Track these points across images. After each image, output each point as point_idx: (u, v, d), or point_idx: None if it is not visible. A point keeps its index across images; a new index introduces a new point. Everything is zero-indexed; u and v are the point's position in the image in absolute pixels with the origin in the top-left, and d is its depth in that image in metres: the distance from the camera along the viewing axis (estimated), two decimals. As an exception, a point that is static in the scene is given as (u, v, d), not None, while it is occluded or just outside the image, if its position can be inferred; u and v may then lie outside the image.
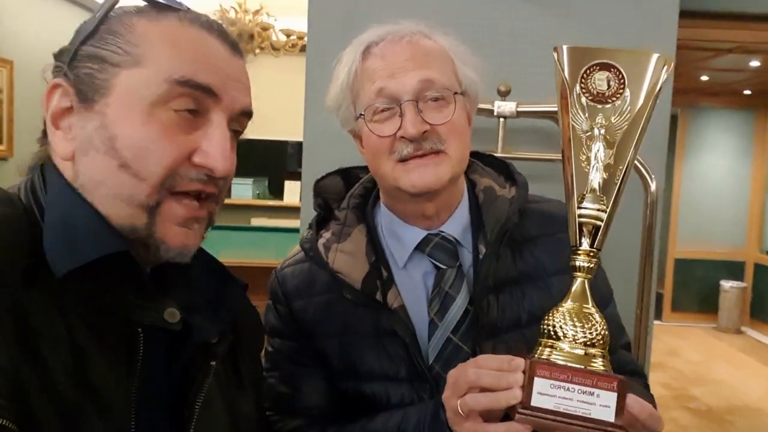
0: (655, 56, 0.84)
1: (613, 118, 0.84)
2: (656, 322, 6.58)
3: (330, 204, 1.12)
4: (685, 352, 6.21)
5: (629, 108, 0.84)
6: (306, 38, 1.91)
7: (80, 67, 0.68)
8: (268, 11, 4.89)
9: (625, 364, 1.06)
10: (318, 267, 1.04)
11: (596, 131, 0.84)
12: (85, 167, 0.68)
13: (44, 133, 0.72)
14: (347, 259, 1.02)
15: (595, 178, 0.84)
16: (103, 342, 0.66)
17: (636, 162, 1.71)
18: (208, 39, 0.71)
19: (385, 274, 1.03)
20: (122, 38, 0.68)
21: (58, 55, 0.70)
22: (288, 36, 5.07)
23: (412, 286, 1.04)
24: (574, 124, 0.85)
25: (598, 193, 0.84)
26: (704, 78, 6.07)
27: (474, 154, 1.11)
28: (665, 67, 0.84)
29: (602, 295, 1.07)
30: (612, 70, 0.84)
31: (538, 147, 1.87)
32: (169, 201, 0.68)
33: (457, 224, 1.05)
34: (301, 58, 1.95)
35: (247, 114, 0.76)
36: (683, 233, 7.15)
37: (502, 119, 1.71)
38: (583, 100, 0.85)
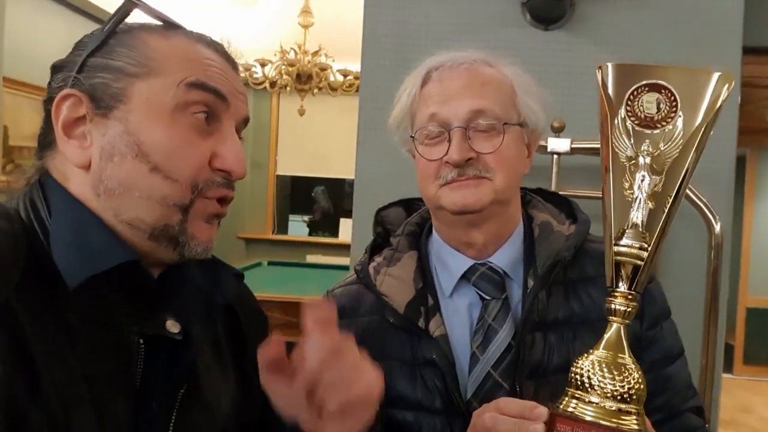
0: (716, 75, 0.75)
1: (662, 145, 0.75)
2: (727, 375, 6.22)
3: (390, 233, 1.14)
4: (759, 408, 5.82)
5: (681, 133, 0.75)
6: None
7: (92, 77, 0.70)
8: (326, 53, 5.00)
9: (692, 430, 0.98)
10: (366, 289, 1.06)
11: (642, 159, 0.75)
12: (112, 172, 0.69)
13: (40, 146, 0.75)
14: (394, 283, 1.03)
15: (638, 211, 0.75)
16: (101, 353, 0.66)
17: (699, 202, 1.63)
18: (212, 54, 0.76)
19: (431, 301, 1.02)
20: (136, 51, 0.71)
21: (60, 67, 0.73)
22: (345, 76, 5.16)
23: (456, 316, 1.02)
24: (617, 150, 0.77)
25: (640, 229, 0.75)
26: (773, 117, 5.82)
27: (537, 191, 1.12)
28: (726, 86, 0.75)
29: (669, 350, 1.01)
30: (663, 91, 0.76)
31: (592, 185, 1.81)
32: (201, 200, 0.72)
33: (507, 256, 1.02)
34: (357, 98, 1.98)
35: (246, 122, 0.80)
36: (755, 280, 6.78)
37: (555, 156, 1.66)
38: (629, 124, 0.76)
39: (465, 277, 1.02)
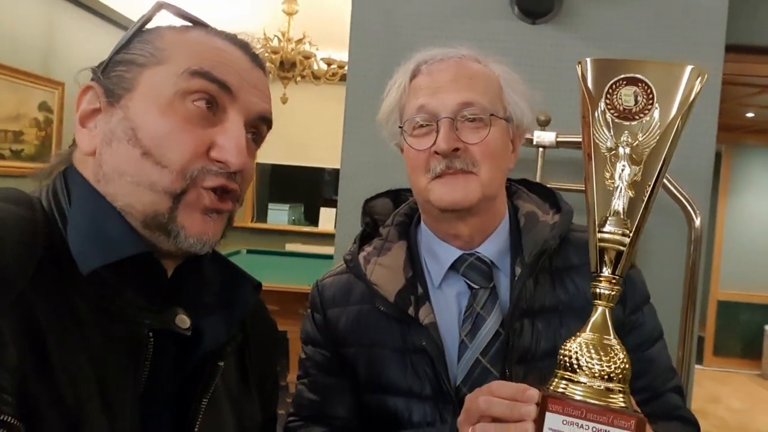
0: (689, 68, 0.78)
1: (640, 136, 0.78)
2: (697, 366, 6.35)
3: (378, 224, 1.15)
4: (727, 399, 5.95)
5: (658, 124, 0.78)
6: (346, 68, 1.93)
7: (111, 72, 0.72)
8: (311, 41, 4.96)
9: (673, 409, 1.02)
10: (356, 278, 1.07)
11: (621, 150, 0.78)
12: (109, 157, 0.70)
13: (73, 141, 0.76)
14: (384, 272, 1.05)
15: (619, 199, 0.78)
16: (112, 344, 0.66)
17: (680, 197, 1.67)
18: (229, 47, 0.75)
19: (420, 290, 1.04)
20: (150, 44, 0.72)
21: (96, 68, 0.75)
22: (329, 65, 5.14)
23: (445, 305, 1.04)
24: (598, 141, 0.79)
25: (621, 217, 0.78)
26: (750, 115, 5.92)
27: (521, 182, 1.14)
28: (699, 79, 0.78)
29: (650, 333, 1.04)
30: (640, 84, 0.79)
31: (577, 178, 1.84)
32: (195, 190, 0.70)
33: (494, 246, 1.05)
34: (340, 87, 1.99)
35: (266, 120, 0.79)
36: (726, 274, 6.92)
37: (541, 149, 1.68)
38: (608, 116, 0.79)
39: (453, 267, 1.04)
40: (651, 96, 0.78)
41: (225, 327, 0.77)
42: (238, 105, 0.73)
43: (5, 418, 0.54)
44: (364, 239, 1.13)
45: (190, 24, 0.76)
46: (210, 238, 0.72)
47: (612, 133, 0.79)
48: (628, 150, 0.78)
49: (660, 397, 1.01)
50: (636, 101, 0.79)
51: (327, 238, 6.20)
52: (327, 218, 6.78)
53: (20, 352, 0.58)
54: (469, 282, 1.03)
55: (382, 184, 1.22)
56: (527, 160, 1.70)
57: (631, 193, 0.78)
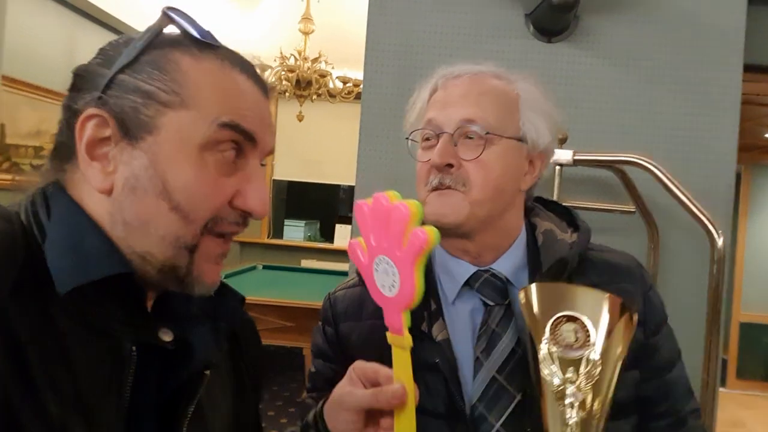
0: (618, 301, 0.81)
1: (582, 370, 0.79)
2: (720, 389, 6.22)
3: None
4: (751, 424, 5.81)
5: (600, 360, 0.78)
6: (361, 86, 1.94)
7: (120, 97, 0.67)
8: (326, 59, 5.00)
9: None
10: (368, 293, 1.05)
11: (569, 387, 0.79)
12: (132, 205, 0.67)
13: (55, 154, 0.72)
14: None
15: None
16: (95, 359, 0.65)
17: (701, 217, 1.63)
18: (247, 84, 0.73)
19: (434, 306, 1.02)
20: (168, 75, 0.68)
21: (84, 77, 0.70)
22: (344, 83, 5.17)
23: (460, 322, 1.02)
24: (545, 377, 0.81)
25: None
26: (769, 135, 5.86)
27: (538, 200, 1.12)
28: (628, 315, 0.80)
29: (669, 355, 1.02)
30: (578, 321, 0.81)
31: (595, 196, 1.81)
32: (207, 240, 0.69)
33: (509, 263, 1.02)
34: (355, 105, 1.99)
35: (271, 152, 0.78)
36: (749, 296, 6.79)
37: (558, 167, 1.66)
38: (554, 350, 0.81)
39: (468, 283, 1.02)
40: (588, 332, 0.80)
41: (214, 338, 0.77)
42: (258, 150, 0.72)
43: None
44: None
45: (201, 45, 0.72)
46: (217, 285, 0.72)
47: (558, 369, 0.81)
48: (573, 388, 0.80)
49: (684, 423, 0.99)
50: (576, 338, 0.81)
51: (342, 254, 6.20)
52: (342, 235, 6.78)
53: (0, 369, 0.57)
54: (484, 299, 1.01)
55: (396, 201, 1.21)
56: (544, 178, 1.68)
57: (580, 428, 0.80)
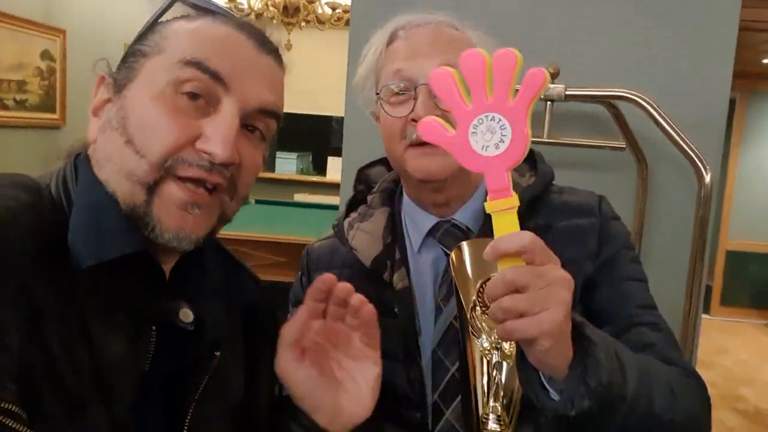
0: None
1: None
2: (704, 316, 6.38)
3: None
4: (734, 350, 6.00)
5: None
6: (350, 12, 1.87)
7: (126, 63, 0.73)
8: (315, -15, 4.85)
9: (645, 345, 0.93)
10: (340, 243, 1.10)
11: (495, 353, 0.83)
12: (101, 144, 0.71)
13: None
14: (365, 238, 1.07)
15: (499, 392, 0.83)
16: (114, 335, 0.66)
17: (689, 152, 1.62)
18: (234, 34, 0.73)
19: (398, 255, 1.06)
20: (159, 35, 0.72)
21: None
22: (333, 9, 5.01)
23: (423, 271, 1.05)
24: (475, 340, 0.84)
25: (499, 412, 0.83)
26: (766, 61, 5.77)
27: None
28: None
29: (626, 274, 1.00)
30: None
31: (585, 132, 1.79)
32: (169, 182, 0.68)
33: (469, 212, 1.05)
34: (346, 32, 1.92)
35: (271, 114, 0.75)
36: (736, 224, 6.88)
37: (549, 102, 1.63)
38: (479, 313, 0.83)
39: (430, 233, 1.05)
40: None
41: (226, 316, 0.78)
42: (234, 96, 0.70)
43: (7, 406, 0.54)
44: (353, 205, 1.15)
45: (201, 11, 0.75)
46: (189, 234, 0.69)
47: (486, 333, 0.83)
48: (498, 354, 0.83)
49: (628, 330, 0.95)
50: None
51: (335, 188, 6.17)
52: (335, 167, 6.75)
53: (22, 340, 0.58)
54: (445, 249, 1.03)
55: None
56: (535, 114, 1.65)
57: (505, 391, 0.84)
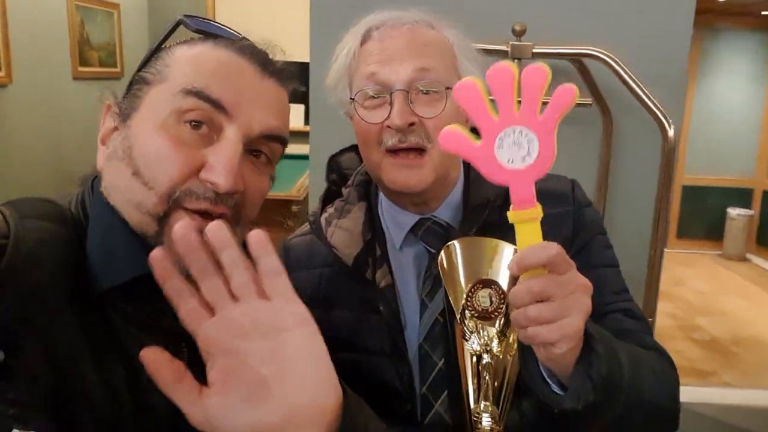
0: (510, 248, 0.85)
1: (495, 337, 0.85)
2: (661, 249, 6.59)
3: (346, 177, 1.14)
4: (691, 281, 6.24)
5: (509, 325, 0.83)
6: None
7: (131, 90, 0.73)
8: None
9: (620, 332, 0.94)
10: (319, 240, 1.07)
11: (486, 356, 0.85)
12: (107, 172, 0.72)
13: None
14: (344, 236, 1.05)
15: (489, 391, 0.86)
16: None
17: (652, 105, 1.66)
18: (234, 58, 0.72)
19: (379, 252, 1.05)
20: (161, 62, 0.72)
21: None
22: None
23: (406, 267, 1.05)
24: (465, 340, 0.86)
25: (490, 407, 0.86)
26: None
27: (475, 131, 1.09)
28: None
29: (600, 261, 1.03)
30: (493, 286, 0.84)
31: (554, 88, 1.80)
32: (178, 212, 0.68)
33: (449, 208, 1.05)
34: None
35: (276, 138, 0.74)
36: (692, 159, 7.05)
37: (517, 61, 1.64)
38: (469, 316, 0.85)
39: (412, 231, 1.05)
40: (503, 296, 0.84)
41: None
42: (236, 123, 0.70)
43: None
44: (328, 197, 1.12)
45: (205, 35, 0.74)
46: None
47: (476, 332, 0.86)
48: (488, 356, 0.85)
49: (604, 317, 0.98)
50: (491, 301, 0.84)
51: (298, 136, 6.07)
52: (296, 114, 6.61)
53: (57, 371, 0.59)
54: (426, 246, 1.03)
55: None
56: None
57: (495, 386, 0.86)
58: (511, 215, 0.71)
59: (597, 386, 0.75)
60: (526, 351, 0.79)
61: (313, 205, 1.20)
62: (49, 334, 0.59)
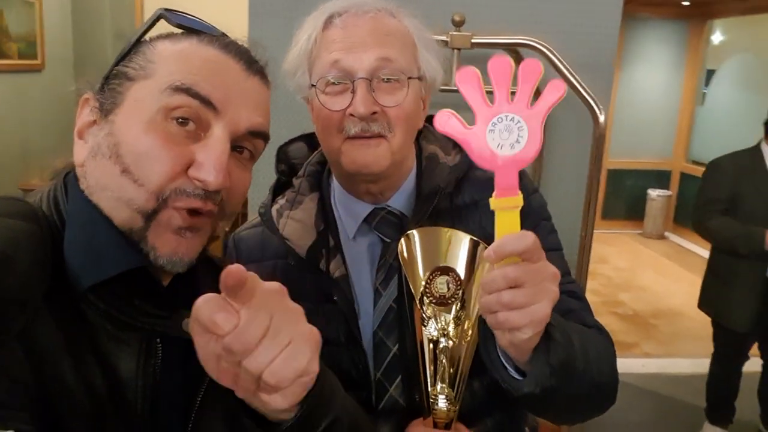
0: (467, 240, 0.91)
1: (451, 322, 0.90)
2: (587, 229, 6.86)
3: (295, 168, 1.13)
4: (613, 259, 6.58)
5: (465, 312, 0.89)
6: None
7: (109, 84, 0.71)
8: None
9: (565, 312, 0.98)
10: (271, 232, 1.06)
11: (443, 341, 0.90)
12: (92, 170, 0.70)
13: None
14: (296, 227, 1.05)
15: (446, 374, 0.91)
16: (125, 352, 0.68)
17: (584, 92, 1.74)
18: (221, 56, 0.72)
19: (332, 242, 1.06)
20: (143, 56, 0.71)
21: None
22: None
23: (360, 257, 1.06)
24: (423, 326, 0.90)
25: (446, 389, 0.91)
26: (645, -11, 6.08)
27: (429, 119, 1.09)
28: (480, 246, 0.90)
29: (545, 245, 1.06)
30: (451, 273, 0.89)
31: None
32: (168, 210, 0.68)
33: (402, 197, 1.06)
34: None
35: (259, 135, 0.75)
36: (615, 144, 7.35)
37: (456, 50, 1.69)
38: (426, 301, 0.89)
39: (366, 221, 1.05)
40: (459, 282, 0.88)
41: None
42: (225, 120, 0.70)
43: (21, 427, 0.55)
44: (278, 189, 1.11)
45: (188, 30, 0.73)
46: (183, 257, 0.70)
47: (433, 317, 0.89)
48: (445, 340, 0.89)
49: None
50: (448, 288, 0.89)
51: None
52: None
53: (35, 371, 0.59)
54: (381, 236, 1.05)
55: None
56: (443, 62, 1.71)
57: (451, 370, 0.91)
58: (494, 202, 0.75)
59: (555, 371, 0.79)
60: (487, 338, 0.83)
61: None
62: (26, 334, 0.59)
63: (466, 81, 0.75)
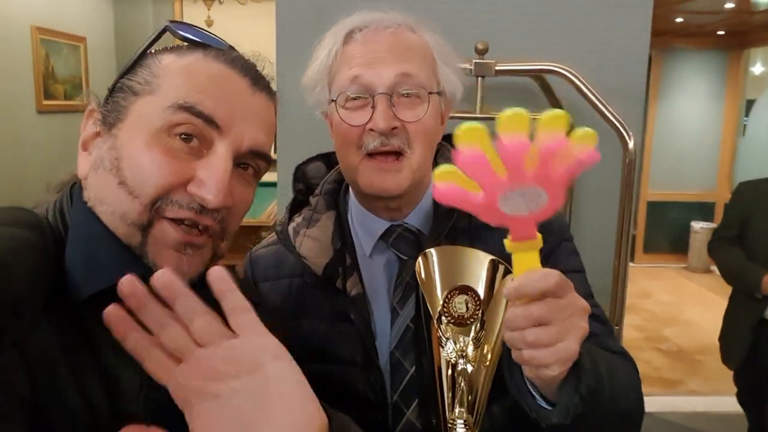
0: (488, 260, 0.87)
1: (470, 344, 0.86)
2: (629, 264, 6.70)
3: (313, 187, 1.13)
4: (657, 294, 6.37)
5: (485, 331, 0.85)
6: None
7: (113, 97, 0.71)
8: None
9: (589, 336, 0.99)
10: (287, 250, 1.06)
11: (461, 361, 0.86)
12: (94, 183, 0.70)
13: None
14: (313, 245, 1.04)
15: (464, 398, 0.87)
16: (126, 363, 0.65)
17: (613, 118, 1.71)
18: (226, 72, 0.71)
19: (349, 261, 1.05)
20: (148, 70, 0.71)
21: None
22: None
23: (376, 275, 1.05)
24: (441, 347, 0.87)
25: (465, 414, 0.87)
26: (679, 20, 6.03)
27: (447, 137, 1.09)
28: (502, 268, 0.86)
29: (565, 267, 1.02)
30: (470, 293, 0.85)
31: (517, 104, 1.84)
32: (161, 223, 0.68)
33: (420, 215, 1.05)
34: (267, 5, 1.87)
35: (261, 156, 0.74)
36: (655, 175, 7.23)
37: (480, 78, 1.68)
38: (444, 321, 0.86)
39: (382, 238, 1.04)
40: (479, 302, 0.85)
41: None
42: (228, 138, 0.69)
43: None
44: (295, 208, 1.11)
45: (193, 43, 0.73)
46: (185, 275, 0.68)
47: (451, 337, 0.86)
48: (464, 362, 0.85)
49: None
50: (467, 307, 0.85)
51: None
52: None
53: (33, 381, 0.58)
54: (398, 253, 1.03)
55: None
56: (466, 89, 1.70)
57: (470, 396, 0.86)
58: (510, 245, 0.70)
59: (584, 400, 0.75)
60: (513, 365, 0.79)
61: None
62: (24, 343, 0.58)
63: (470, 162, 0.65)
